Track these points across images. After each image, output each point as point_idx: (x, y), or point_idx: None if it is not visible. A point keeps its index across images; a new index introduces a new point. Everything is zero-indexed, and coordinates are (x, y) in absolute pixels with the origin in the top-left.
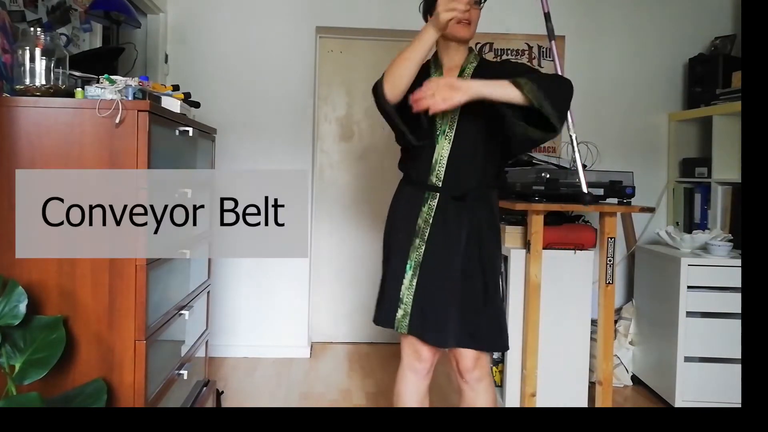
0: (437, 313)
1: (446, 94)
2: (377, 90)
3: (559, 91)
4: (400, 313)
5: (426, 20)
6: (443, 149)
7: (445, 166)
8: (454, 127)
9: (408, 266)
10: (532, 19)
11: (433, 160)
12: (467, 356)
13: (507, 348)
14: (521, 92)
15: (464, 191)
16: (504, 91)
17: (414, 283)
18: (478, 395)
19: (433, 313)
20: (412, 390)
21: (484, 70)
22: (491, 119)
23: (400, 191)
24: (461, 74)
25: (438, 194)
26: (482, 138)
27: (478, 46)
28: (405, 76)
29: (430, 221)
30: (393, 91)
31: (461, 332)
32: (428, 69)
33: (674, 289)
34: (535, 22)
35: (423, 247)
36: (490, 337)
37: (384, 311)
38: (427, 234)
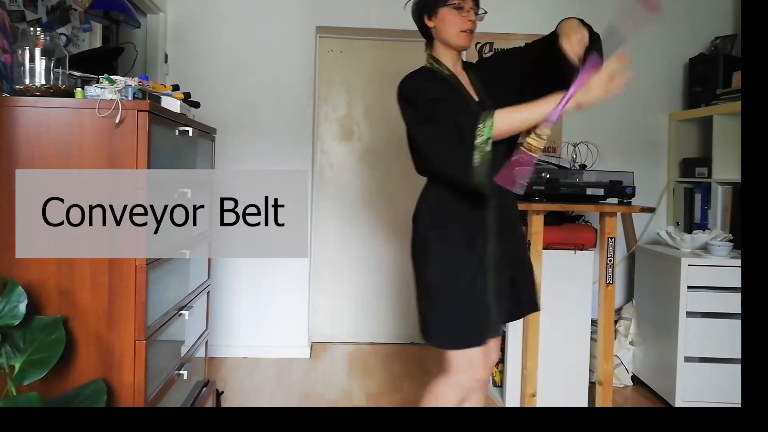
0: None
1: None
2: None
3: None
4: (485, 322)
5: (419, 23)
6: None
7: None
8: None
9: (485, 269)
10: (531, 18)
11: None
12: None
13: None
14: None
15: None
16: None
17: (492, 285)
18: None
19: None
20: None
21: (473, 68)
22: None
23: (443, 193)
24: None
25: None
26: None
27: (478, 45)
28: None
29: (494, 217)
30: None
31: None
32: (431, 70)
33: (674, 289)
34: (535, 21)
35: (493, 245)
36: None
37: (477, 327)
38: (494, 230)
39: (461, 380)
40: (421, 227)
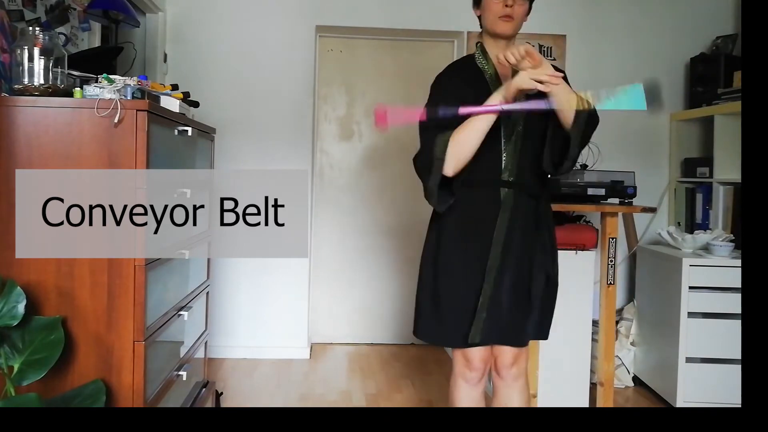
0: (513, 313)
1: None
2: (432, 170)
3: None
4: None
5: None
6: (515, 147)
7: (516, 164)
8: (522, 124)
9: (488, 274)
10: (533, 17)
11: (505, 159)
12: (507, 352)
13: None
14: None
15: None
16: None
17: (492, 292)
18: (512, 393)
19: (510, 315)
20: (465, 398)
21: None
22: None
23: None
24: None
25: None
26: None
27: (479, 45)
28: (473, 150)
29: (506, 221)
30: (458, 167)
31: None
32: (473, 60)
33: (676, 289)
34: (537, 20)
35: (499, 250)
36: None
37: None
38: (503, 236)
39: (459, 369)
40: (442, 229)
